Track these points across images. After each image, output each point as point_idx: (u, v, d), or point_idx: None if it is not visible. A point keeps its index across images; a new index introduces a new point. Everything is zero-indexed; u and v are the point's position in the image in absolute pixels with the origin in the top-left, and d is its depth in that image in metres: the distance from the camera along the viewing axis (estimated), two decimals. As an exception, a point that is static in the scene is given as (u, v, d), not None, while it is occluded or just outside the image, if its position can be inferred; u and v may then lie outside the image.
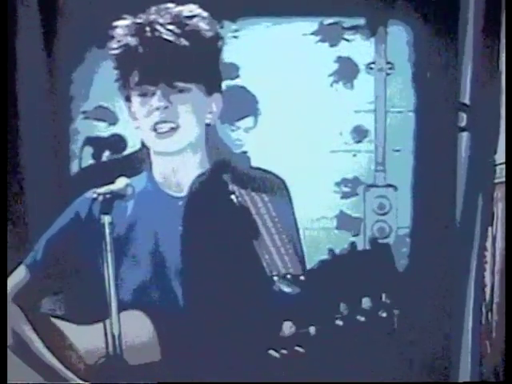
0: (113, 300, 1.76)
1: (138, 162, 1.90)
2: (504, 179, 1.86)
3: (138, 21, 1.83)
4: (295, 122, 1.89)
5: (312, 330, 1.79)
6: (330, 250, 1.90)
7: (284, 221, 1.89)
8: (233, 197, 1.88)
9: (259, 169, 1.91)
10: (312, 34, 1.90)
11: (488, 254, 1.93)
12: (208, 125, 1.88)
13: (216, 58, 1.87)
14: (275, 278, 1.84)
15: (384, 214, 1.94)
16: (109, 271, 1.77)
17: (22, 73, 1.87)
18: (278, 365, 1.79)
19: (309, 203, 1.90)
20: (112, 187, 1.83)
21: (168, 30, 1.81)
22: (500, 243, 1.91)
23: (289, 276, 1.84)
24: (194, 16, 1.83)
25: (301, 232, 1.90)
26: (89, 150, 1.92)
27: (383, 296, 1.79)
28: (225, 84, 1.89)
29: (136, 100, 1.85)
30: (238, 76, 1.90)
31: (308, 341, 1.79)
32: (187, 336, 1.81)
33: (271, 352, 1.80)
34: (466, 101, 1.90)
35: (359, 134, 1.93)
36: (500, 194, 1.90)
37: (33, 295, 1.88)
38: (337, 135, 1.92)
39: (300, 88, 1.89)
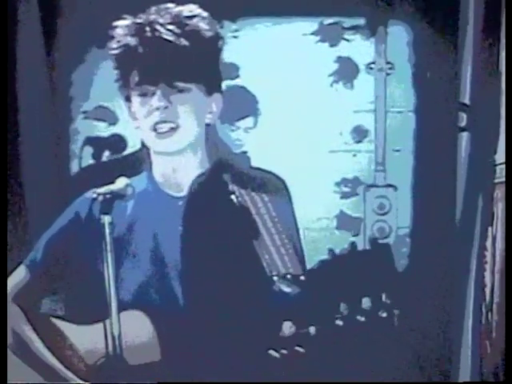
0: (113, 300, 1.76)
1: (137, 162, 1.90)
2: (504, 179, 1.86)
3: (138, 21, 1.83)
4: (295, 121, 1.89)
5: (312, 329, 1.79)
6: (330, 250, 1.90)
7: (284, 221, 1.89)
8: (233, 197, 1.88)
9: (259, 169, 1.91)
10: (312, 34, 1.90)
11: (488, 254, 1.93)
12: (208, 125, 1.88)
13: (216, 58, 1.87)
14: (275, 278, 1.84)
15: (384, 214, 1.94)
16: (109, 271, 1.76)
17: (21, 73, 1.87)
18: (278, 365, 1.79)
19: (309, 203, 1.90)
20: (112, 187, 1.83)
21: (168, 29, 1.81)
22: (500, 243, 1.91)
23: (289, 276, 1.84)
24: (193, 16, 1.83)
25: (301, 232, 1.90)
26: (89, 149, 1.92)
27: (383, 296, 1.79)
28: (225, 84, 1.89)
29: (136, 100, 1.85)
30: (238, 76, 1.90)
31: (308, 341, 1.79)
32: (187, 336, 1.81)
33: (271, 352, 1.80)
34: (466, 101, 1.90)
35: (359, 134, 1.93)
36: (500, 193, 1.90)
37: (33, 295, 1.88)
38: (337, 135, 1.92)
39: (300, 88, 1.89)
